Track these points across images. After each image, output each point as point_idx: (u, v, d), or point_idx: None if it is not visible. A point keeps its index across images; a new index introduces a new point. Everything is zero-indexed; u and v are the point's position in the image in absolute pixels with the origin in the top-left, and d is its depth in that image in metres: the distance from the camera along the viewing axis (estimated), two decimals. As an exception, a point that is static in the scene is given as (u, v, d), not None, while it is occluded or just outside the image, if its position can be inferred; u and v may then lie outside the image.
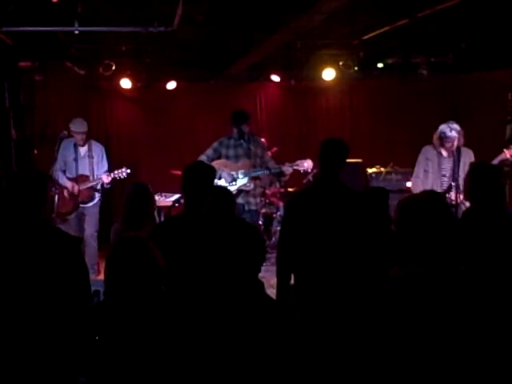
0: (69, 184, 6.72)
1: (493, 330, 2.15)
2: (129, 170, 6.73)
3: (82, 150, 6.84)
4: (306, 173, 6.54)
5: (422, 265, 2.18)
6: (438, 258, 2.19)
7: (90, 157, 6.83)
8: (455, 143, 5.73)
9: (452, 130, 5.73)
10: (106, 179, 6.69)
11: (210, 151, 6.44)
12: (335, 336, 3.36)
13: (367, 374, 2.15)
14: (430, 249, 2.20)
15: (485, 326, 2.14)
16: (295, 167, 6.34)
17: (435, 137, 5.88)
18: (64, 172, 6.78)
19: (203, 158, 6.29)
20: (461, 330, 2.12)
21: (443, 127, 5.77)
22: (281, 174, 6.41)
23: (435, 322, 2.11)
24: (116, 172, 6.70)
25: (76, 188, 6.72)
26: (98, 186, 6.84)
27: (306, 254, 3.91)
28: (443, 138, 5.76)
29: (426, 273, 2.16)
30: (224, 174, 6.31)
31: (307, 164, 6.33)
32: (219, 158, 6.43)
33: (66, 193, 6.71)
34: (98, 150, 6.96)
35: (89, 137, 6.96)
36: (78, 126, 6.73)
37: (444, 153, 5.87)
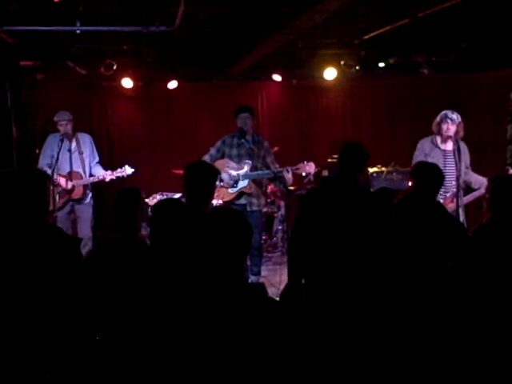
0: (62, 180, 6.51)
1: (485, 327, 2.15)
2: (133, 169, 6.68)
3: (72, 145, 6.66)
4: (307, 175, 6.46)
5: (410, 264, 2.18)
6: (429, 257, 2.19)
7: (80, 152, 6.68)
8: (454, 128, 5.72)
9: (454, 113, 5.73)
10: (109, 178, 6.62)
11: (213, 150, 6.41)
12: (344, 334, 3.36)
13: (371, 373, 2.15)
14: (423, 248, 2.20)
15: (477, 322, 2.14)
16: (296, 171, 6.24)
17: (434, 123, 5.86)
18: (49, 167, 6.43)
19: (206, 158, 6.26)
20: (452, 327, 2.12)
21: (446, 111, 5.78)
22: (282, 177, 6.26)
23: (428, 321, 2.11)
24: (119, 170, 6.64)
25: (70, 184, 6.53)
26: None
27: (318, 253, 3.90)
28: (443, 120, 5.74)
29: (414, 273, 2.16)
30: (225, 176, 6.26)
31: (309, 167, 6.25)
32: (223, 157, 6.40)
33: (56, 189, 6.37)
34: (87, 142, 6.82)
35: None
36: (62, 115, 6.62)
37: (441, 145, 5.86)
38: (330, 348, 3.32)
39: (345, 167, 4.00)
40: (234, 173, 6.26)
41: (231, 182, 6.23)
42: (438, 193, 4.02)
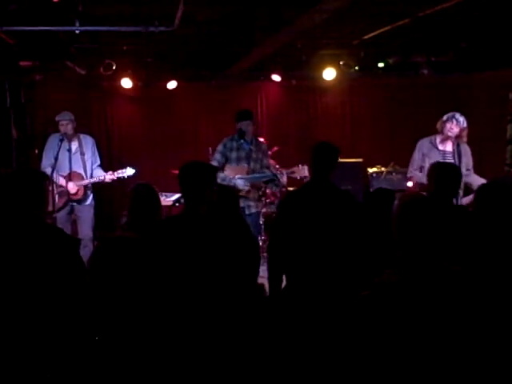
0: (62, 181, 6.48)
1: (490, 332, 2.14)
2: (134, 171, 6.65)
3: (73, 146, 6.63)
4: (304, 178, 6.46)
5: (416, 267, 2.16)
6: (434, 259, 2.18)
7: (81, 153, 6.64)
8: (457, 130, 5.71)
9: (462, 116, 5.73)
10: (109, 179, 6.60)
11: (218, 156, 6.32)
12: (327, 338, 3.35)
13: (359, 377, 2.14)
14: (428, 250, 2.19)
15: (482, 327, 2.13)
16: (291, 175, 6.23)
17: (440, 121, 5.84)
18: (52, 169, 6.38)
19: (214, 163, 6.22)
20: (457, 332, 2.11)
21: (455, 112, 5.77)
22: (278, 180, 6.18)
23: (432, 325, 2.10)
24: (120, 171, 6.62)
25: (75, 188, 6.52)
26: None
27: (297, 256, 3.91)
28: (449, 119, 5.72)
29: (420, 275, 2.14)
30: (239, 182, 6.20)
31: (303, 171, 6.24)
32: (227, 160, 6.34)
33: (56, 189, 6.40)
34: (89, 144, 6.79)
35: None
36: (63, 115, 6.59)
37: (440, 145, 5.85)
38: (317, 349, 3.31)
39: (318, 168, 4.01)
40: (231, 176, 6.25)
41: (246, 187, 6.17)
42: (455, 194, 3.93)
